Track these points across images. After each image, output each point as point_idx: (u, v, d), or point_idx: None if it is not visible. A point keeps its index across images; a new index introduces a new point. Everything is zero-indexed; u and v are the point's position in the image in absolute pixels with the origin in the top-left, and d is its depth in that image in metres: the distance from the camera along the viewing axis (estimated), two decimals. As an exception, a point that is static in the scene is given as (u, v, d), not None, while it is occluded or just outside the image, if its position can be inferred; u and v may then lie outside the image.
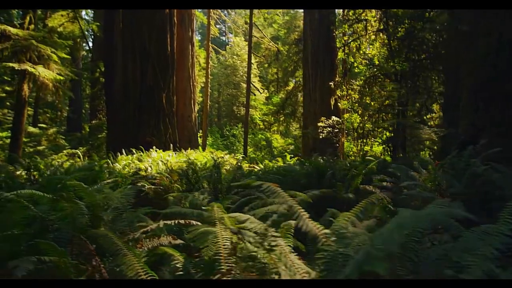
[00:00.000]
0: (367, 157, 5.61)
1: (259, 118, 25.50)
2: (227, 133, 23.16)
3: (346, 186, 4.90)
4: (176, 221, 1.84)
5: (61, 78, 9.27)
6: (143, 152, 10.69)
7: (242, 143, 22.32)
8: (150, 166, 8.61)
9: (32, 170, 4.22)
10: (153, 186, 5.11)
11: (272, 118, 24.39)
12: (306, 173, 4.85)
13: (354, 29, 11.84)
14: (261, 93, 25.67)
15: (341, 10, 14.36)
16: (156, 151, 10.73)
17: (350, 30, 11.89)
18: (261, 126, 25.59)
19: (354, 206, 5.13)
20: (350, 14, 12.08)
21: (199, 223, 1.88)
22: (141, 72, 13.07)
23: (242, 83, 24.92)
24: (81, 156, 8.41)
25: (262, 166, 9.92)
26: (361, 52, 11.59)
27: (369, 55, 12.04)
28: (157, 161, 9.26)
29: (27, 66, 7.86)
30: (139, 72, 13.02)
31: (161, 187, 5.22)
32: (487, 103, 5.09)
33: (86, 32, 21.15)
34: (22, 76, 8.29)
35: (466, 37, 5.43)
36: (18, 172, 5.44)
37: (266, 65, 28.64)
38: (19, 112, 9.15)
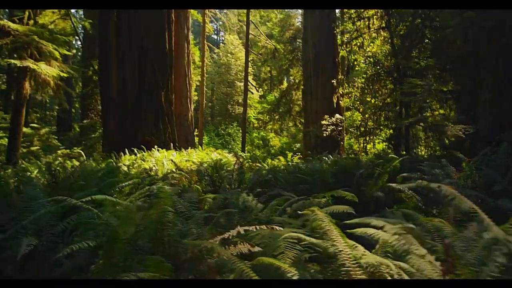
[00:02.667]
0: (390, 155, 5.54)
1: (254, 116, 25.35)
2: (222, 132, 22.95)
3: (370, 184, 4.81)
4: (258, 227, 1.69)
5: (65, 75, 8.94)
6: (144, 151, 10.45)
7: (238, 142, 22.16)
8: (155, 166, 8.39)
9: (53, 172, 4.00)
10: (172, 187, 4.92)
11: (267, 117, 24.29)
12: (332, 172, 4.75)
13: (356, 27, 11.78)
14: (258, 91, 25.53)
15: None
16: (158, 150, 10.50)
17: (353, 27, 11.84)
18: (255, 125, 25.45)
19: (382, 204, 5.01)
20: (351, 11, 12.04)
21: (281, 228, 1.74)
22: (139, 70, 12.76)
23: (236, 82, 24.73)
24: (84, 157, 8.13)
25: (265, 165, 9.79)
26: (365, 49, 11.54)
27: (370, 52, 12.02)
28: (162, 161, 9.04)
29: (29, 63, 7.52)
30: (137, 70, 12.70)
31: (180, 188, 5.04)
32: (510, 101, 5.05)
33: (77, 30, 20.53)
34: (23, 74, 7.94)
35: (487, 34, 5.39)
36: (27, 174, 5.17)
37: (259, 63, 28.50)
38: (18, 111, 8.77)
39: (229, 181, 4.99)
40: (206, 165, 7.73)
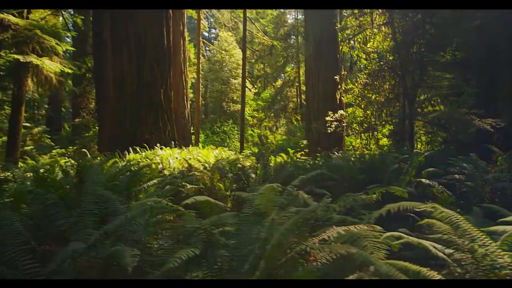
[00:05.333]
0: (415, 150, 5.46)
1: (248, 114, 25.19)
2: (217, 129, 22.71)
3: (401, 180, 4.73)
4: (358, 227, 1.57)
5: (70, 71, 8.60)
6: (147, 150, 10.21)
7: (233, 140, 21.94)
8: (160, 165, 8.17)
9: (80, 171, 3.78)
10: (195, 186, 4.76)
11: (263, 114, 24.18)
12: (360, 168, 4.65)
13: (360, 22, 11.72)
14: (255, 88, 25.37)
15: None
16: (161, 148, 10.26)
17: (355, 23, 11.77)
18: (250, 122, 25.30)
19: (414, 199, 4.93)
20: (353, 7, 11.97)
21: (381, 228, 1.62)
22: (137, 66, 12.43)
23: (231, 79, 24.51)
24: (89, 156, 7.85)
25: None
26: (369, 45, 11.49)
27: (370, 49, 11.98)
28: (168, 159, 8.83)
29: (32, 58, 7.17)
30: (135, 67, 12.37)
31: (203, 187, 4.87)
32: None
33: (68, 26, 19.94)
34: (24, 70, 7.57)
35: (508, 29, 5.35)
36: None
37: (253, 60, 28.31)
38: (17, 110, 8.38)
39: (254, 178, 4.84)
40: (215, 163, 7.55)
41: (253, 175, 4.94)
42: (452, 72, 5.79)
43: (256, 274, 1.31)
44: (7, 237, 1.65)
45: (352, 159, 5.39)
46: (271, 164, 9.09)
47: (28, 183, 2.99)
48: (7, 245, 1.63)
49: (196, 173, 5.20)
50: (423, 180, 4.60)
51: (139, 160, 8.84)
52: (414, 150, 5.13)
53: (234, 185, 4.93)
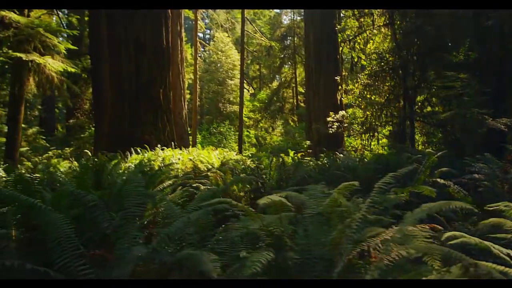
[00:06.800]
0: (427, 150, 5.47)
1: (245, 115, 25.12)
2: (214, 130, 22.60)
3: (416, 180, 4.72)
4: (420, 226, 1.53)
5: (73, 70, 8.44)
6: (148, 151, 10.08)
7: (230, 141, 21.85)
8: (163, 165, 8.07)
9: (98, 173, 3.68)
10: (208, 187, 4.68)
11: (259, 115, 24.13)
12: (375, 168, 4.63)
13: (360, 23, 11.75)
14: (253, 89, 25.31)
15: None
16: (163, 150, 10.14)
17: (355, 24, 11.80)
18: (246, 123, 25.23)
19: (431, 200, 4.91)
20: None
21: (441, 228, 1.57)
22: (136, 66, 12.28)
23: (227, 80, 24.42)
24: (91, 157, 7.70)
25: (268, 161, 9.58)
26: (369, 46, 11.53)
27: (369, 50, 12.03)
28: (171, 160, 8.72)
29: (35, 57, 7.01)
30: (134, 67, 12.21)
31: (215, 188, 4.79)
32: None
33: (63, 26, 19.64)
34: (25, 69, 7.39)
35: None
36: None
37: (248, 61, 28.26)
38: (16, 110, 8.19)
39: (266, 179, 4.79)
40: (223, 163, 7.47)
41: (263, 176, 4.89)
42: (466, 72, 5.80)
43: (370, 275, 1.26)
44: (58, 242, 1.57)
45: (357, 158, 5.37)
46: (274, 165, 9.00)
47: (69, 183, 2.85)
48: (59, 250, 1.55)
49: (209, 173, 5.13)
50: (438, 179, 4.59)
51: (149, 161, 8.71)
52: (426, 150, 5.12)
53: (247, 186, 4.87)
